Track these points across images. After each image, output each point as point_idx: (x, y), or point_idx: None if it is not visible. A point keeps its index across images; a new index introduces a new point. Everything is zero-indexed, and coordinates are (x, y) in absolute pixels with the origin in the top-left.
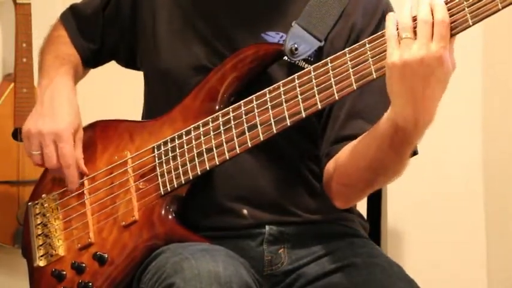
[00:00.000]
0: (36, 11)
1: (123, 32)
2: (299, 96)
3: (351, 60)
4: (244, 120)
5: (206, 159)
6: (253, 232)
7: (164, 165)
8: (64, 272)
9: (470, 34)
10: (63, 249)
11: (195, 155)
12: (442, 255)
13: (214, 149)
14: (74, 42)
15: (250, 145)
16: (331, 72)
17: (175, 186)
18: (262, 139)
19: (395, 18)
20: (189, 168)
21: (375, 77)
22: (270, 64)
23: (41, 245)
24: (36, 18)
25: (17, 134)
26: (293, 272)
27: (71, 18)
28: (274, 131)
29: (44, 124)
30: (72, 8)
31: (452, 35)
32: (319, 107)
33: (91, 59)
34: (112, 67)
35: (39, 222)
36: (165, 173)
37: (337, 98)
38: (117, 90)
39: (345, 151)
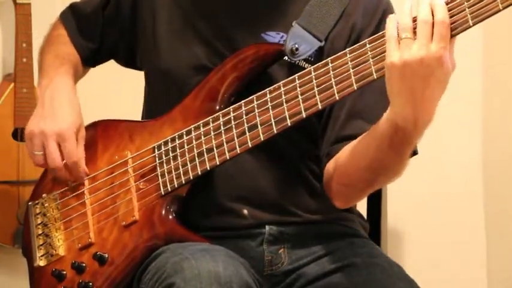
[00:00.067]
0: (36, 11)
1: (123, 32)
2: (299, 96)
3: (351, 61)
4: (245, 120)
5: (207, 159)
6: (253, 232)
7: (165, 165)
8: (64, 272)
9: (471, 35)
10: (63, 249)
11: (196, 155)
12: (442, 255)
13: (214, 149)
14: (74, 42)
15: (250, 145)
16: (331, 72)
17: (176, 186)
18: (262, 139)
19: (396, 19)
20: (189, 168)
21: (375, 77)
22: (270, 64)
23: (41, 245)
24: (36, 18)
25: (17, 134)
26: (293, 272)
27: (71, 17)
28: (275, 131)
29: (46, 125)
30: (72, 7)
31: (452, 36)
32: (320, 107)
33: (90, 58)
34: (112, 67)
35: (39, 222)
36: (166, 173)
37: (337, 98)
38: (117, 90)
39: (345, 151)
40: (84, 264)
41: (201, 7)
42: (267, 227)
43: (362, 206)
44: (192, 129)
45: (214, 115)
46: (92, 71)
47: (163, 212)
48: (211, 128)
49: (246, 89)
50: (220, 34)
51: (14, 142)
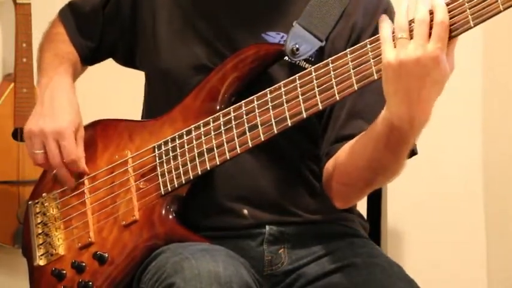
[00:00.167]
0: (36, 11)
1: (123, 31)
2: (300, 96)
3: (352, 61)
4: (245, 120)
5: (207, 159)
6: (253, 232)
7: (165, 164)
8: (64, 271)
9: (471, 36)
10: (63, 249)
11: (196, 154)
12: (442, 255)
13: (215, 148)
14: (72, 40)
15: (251, 145)
16: (332, 72)
17: (176, 186)
18: (263, 139)
19: (388, 19)
20: (189, 168)
21: (376, 77)
22: (271, 64)
23: (41, 244)
24: (36, 18)
25: (17, 134)
26: (293, 272)
27: (70, 15)
28: (275, 132)
29: (45, 123)
30: (71, 5)
31: (453, 37)
32: (320, 107)
33: (89, 57)
34: (112, 66)
35: (39, 221)
36: (166, 173)
37: (338, 98)
38: (117, 90)
39: (344, 150)
40: (84, 264)
41: (201, 7)
42: (267, 227)
43: (362, 206)
44: (193, 129)
45: (215, 115)
46: (92, 70)
47: (163, 211)
48: (212, 128)
49: (247, 89)
50: (221, 34)
51: (14, 142)
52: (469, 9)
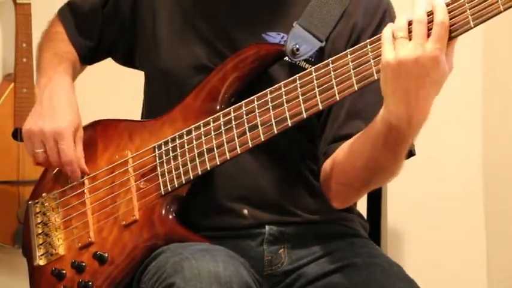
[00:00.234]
0: (36, 11)
1: (122, 31)
2: (300, 96)
3: (352, 61)
4: (245, 120)
5: (207, 159)
6: (253, 232)
7: (165, 164)
8: (64, 271)
9: (471, 36)
10: (63, 248)
11: (196, 154)
12: (442, 255)
13: (215, 149)
14: (72, 40)
15: (251, 145)
16: (332, 73)
17: (176, 186)
18: (263, 139)
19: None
20: (189, 168)
21: (376, 78)
22: (271, 64)
23: (41, 244)
24: (36, 18)
25: (17, 134)
26: (293, 272)
27: (69, 14)
28: (275, 132)
29: (45, 123)
30: (70, 4)
31: (453, 37)
32: (320, 107)
33: (88, 56)
34: (112, 66)
35: (39, 221)
36: (166, 173)
37: (338, 98)
38: (117, 90)
39: (342, 150)
40: (84, 264)
41: (202, 7)
42: (267, 227)
43: (362, 206)
44: (193, 129)
45: (215, 115)
46: (92, 70)
47: (164, 211)
48: (212, 128)
49: (247, 89)
50: (221, 34)
51: (14, 142)
52: (470, 9)
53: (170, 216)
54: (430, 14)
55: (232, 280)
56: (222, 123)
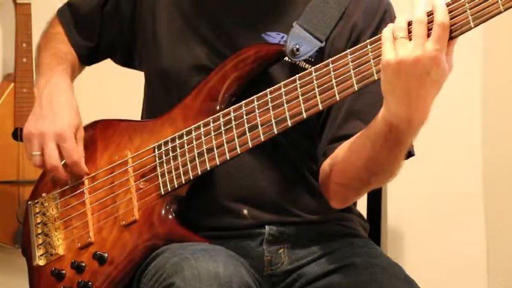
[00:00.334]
0: (36, 11)
1: (122, 31)
2: (300, 97)
3: (352, 61)
4: (245, 120)
5: (207, 159)
6: (253, 232)
7: (165, 165)
8: (64, 271)
9: (471, 36)
10: (63, 249)
11: (196, 155)
12: (442, 255)
13: (215, 149)
14: (71, 40)
15: (251, 145)
16: (332, 73)
17: (176, 186)
18: (263, 139)
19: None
20: (189, 168)
21: (376, 78)
22: (271, 64)
23: (40, 244)
24: (36, 18)
25: (17, 134)
26: (293, 272)
27: (68, 15)
28: (275, 132)
29: (45, 125)
30: (70, 5)
31: (453, 37)
32: (320, 107)
33: (87, 57)
34: (112, 66)
35: (39, 221)
36: (166, 173)
37: (338, 99)
38: (117, 90)
39: (342, 150)
40: (83, 264)
41: (202, 7)
42: (266, 227)
43: (362, 206)
44: (193, 129)
45: (215, 115)
46: (92, 70)
47: (163, 211)
48: (212, 128)
49: (247, 89)
50: (221, 34)
51: (14, 142)
52: (470, 9)
53: (170, 217)
54: (430, 14)
55: (232, 280)
56: (221, 123)
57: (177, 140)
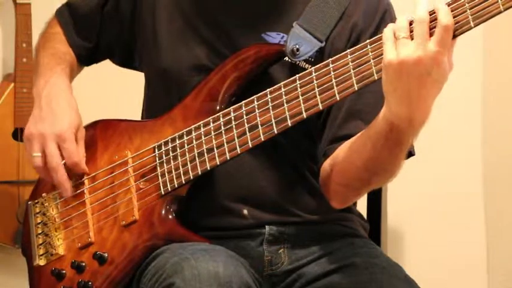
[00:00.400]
0: (36, 11)
1: (122, 31)
2: (300, 97)
3: (352, 61)
4: (245, 120)
5: (207, 159)
6: (253, 232)
7: (165, 165)
8: (64, 271)
9: (471, 36)
10: (63, 249)
11: (196, 155)
12: (442, 255)
13: (215, 149)
14: (69, 41)
15: (251, 145)
16: (332, 73)
17: (176, 186)
18: (263, 139)
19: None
20: (189, 168)
21: (376, 78)
22: (271, 64)
23: (40, 244)
24: (36, 18)
25: (17, 134)
26: (293, 272)
27: (67, 15)
28: (275, 132)
29: (45, 126)
30: (69, 5)
31: (453, 37)
32: (321, 107)
33: (86, 57)
34: (112, 66)
35: (39, 221)
36: (166, 173)
37: (338, 99)
38: (117, 90)
39: (342, 150)
40: (83, 264)
41: (202, 7)
42: (266, 227)
43: (362, 206)
44: (193, 129)
45: (215, 115)
46: (92, 71)
47: (163, 211)
48: (212, 128)
49: (247, 89)
50: (221, 34)
51: (14, 142)
52: (470, 9)
53: (170, 217)
54: (432, 13)
55: (232, 280)
56: (222, 123)
57: (177, 140)
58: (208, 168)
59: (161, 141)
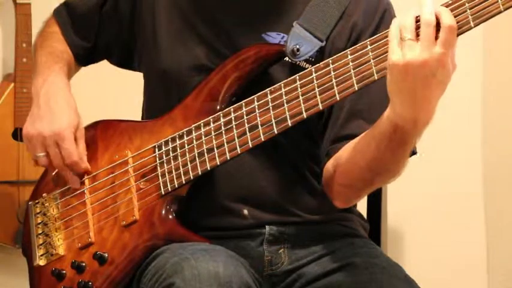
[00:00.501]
0: (36, 11)
1: (121, 31)
2: (300, 96)
3: (352, 61)
4: (246, 120)
5: (207, 159)
6: (253, 232)
7: (165, 165)
8: (64, 271)
9: (471, 36)
10: (63, 249)
11: (196, 155)
12: (442, 255)
13: (215, 149)
14: (67, 40)
15: (251, 145)
16: (332, 73)
17: (176, 186)
18: (263, 139)
19: (398, 21)
20: (189, 168)
21: (376, 78)
22: (271, 64)
23: (41, 244)
24: (36, 18)
25: (17, 134)
26: (293, 272)
27: (65, 15)
28: (275, 132)
29: (43, 126)
30: (67, 5)
31: None
32: (321, 107)
33: (84, 57)
34: (111, 66)
35: (39, 221)
36: (166, 173)
37: (338, 98)
38: (117, 90)
39: (346, 150)
40: (84, 264)
41: (201, 7)
42: (267, 227)
43: (362, 206)
44: (193, 129)
45: (215, 115)
46: (91, 70)
47: (164, 211)
48: (212, 128)
49: (247, 89)
50: (221, 34)
51: (14, 142)
52: (470, 9)
53: (170, 217)
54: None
55: (232, 280)
56: (222, 123)
57: (177, 140)
58: (209, 168)
59: (161, 141)
